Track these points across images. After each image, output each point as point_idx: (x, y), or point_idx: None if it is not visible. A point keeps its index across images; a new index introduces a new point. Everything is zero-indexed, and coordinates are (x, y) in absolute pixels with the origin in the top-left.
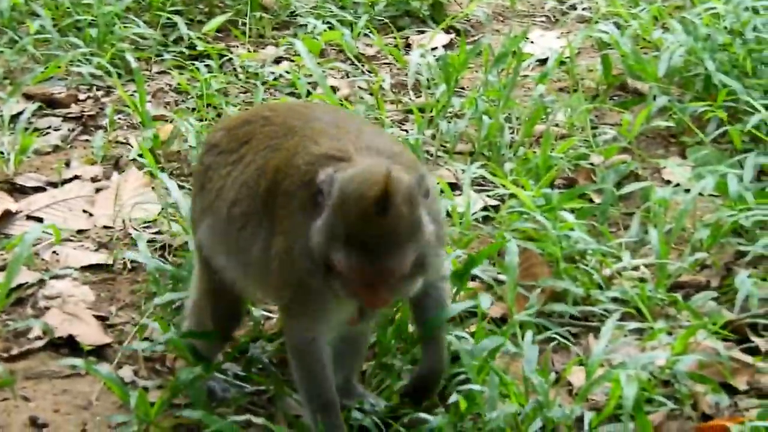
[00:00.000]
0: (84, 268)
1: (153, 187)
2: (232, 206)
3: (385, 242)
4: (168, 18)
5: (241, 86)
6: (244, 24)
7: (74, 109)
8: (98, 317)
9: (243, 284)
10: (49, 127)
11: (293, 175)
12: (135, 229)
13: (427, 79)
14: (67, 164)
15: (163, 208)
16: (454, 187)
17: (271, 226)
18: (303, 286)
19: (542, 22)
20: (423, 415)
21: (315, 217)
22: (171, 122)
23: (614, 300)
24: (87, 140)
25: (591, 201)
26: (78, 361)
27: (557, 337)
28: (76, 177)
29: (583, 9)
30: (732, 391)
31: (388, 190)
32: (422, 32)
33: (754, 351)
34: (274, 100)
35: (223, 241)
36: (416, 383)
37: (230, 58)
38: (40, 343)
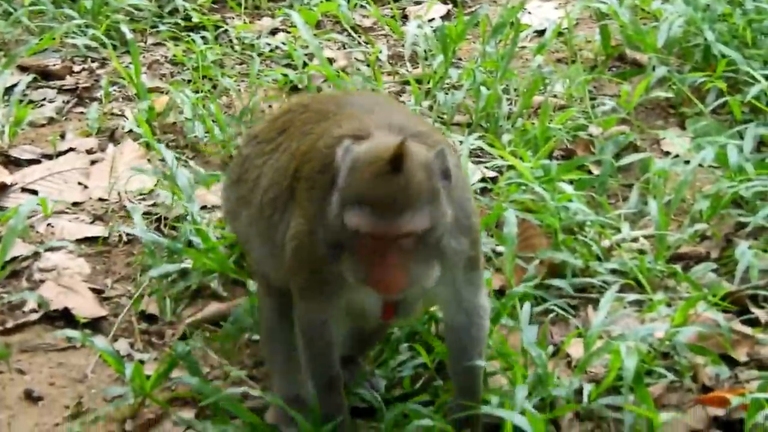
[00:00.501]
0: (79, 241)
1: (148, 159)
2: (265, 193)
3: (399, 200)
4: None
5: (237, 58)
6: None
7: (69, 81)
8: (93, 290)
9: (275, 275)
10: (44, 99)
11: (315, 159)
12: (130, 201)
13: (425, 51)
14: (62, 136)
15: (158, 180)
16: None
17: (293, 209)
18: (319, 271)
19: None
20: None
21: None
22: (166, 94)
23: (613, 272)
24: (82, 112)
25: (590, 172)
26: (74, 333)
27: (556, 309)
28: (71, 149)
29: None
30: (732, 362)
31: (403, 151)
32: (419, 3)
33: (754, 322)
34: (269, 72)
35: (257, 230)
36: (453, 420)
37: (226, 30)
38: (35, 316)
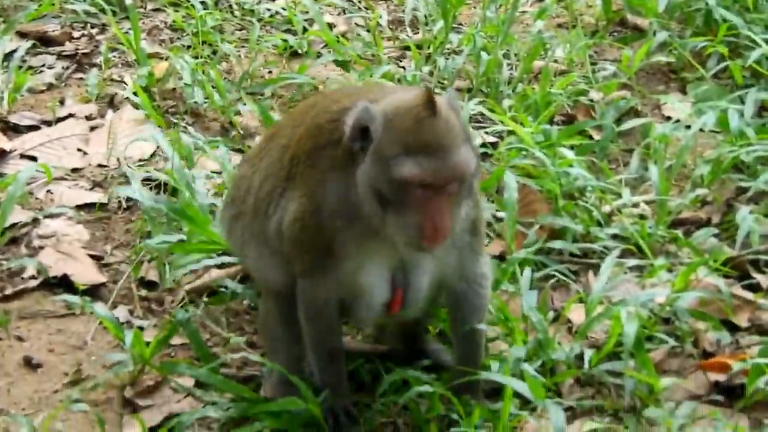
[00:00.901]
0: (78, 207)
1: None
2: (259, 190)
3: (445, 142)
4: None
5: (237, 23)
6: None
7: (68, 47)
8: (93, 256)
9: (273, 275)
10: (44, 65)
11: (317, 136)
12: (129, 167)
13: (425, 16)
14: (62, 102)
15: (157, 148)
16: None
17: (293, 193)
18: (327, 249)
19: None
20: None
21: (354, 166)
22: (166, 60)
23: (614, 237)
24: (81, 78)
25: (590, 137)
26: (74, 298)
27: (557, 274)
28: (71, 115)
29: None
30: (733, 328)
31: (432, 96)
32: None
33: (755, 288)
34: (269, 38)
35: (251, 234)
36: (453, 386)
37: None
38: (34, 283)
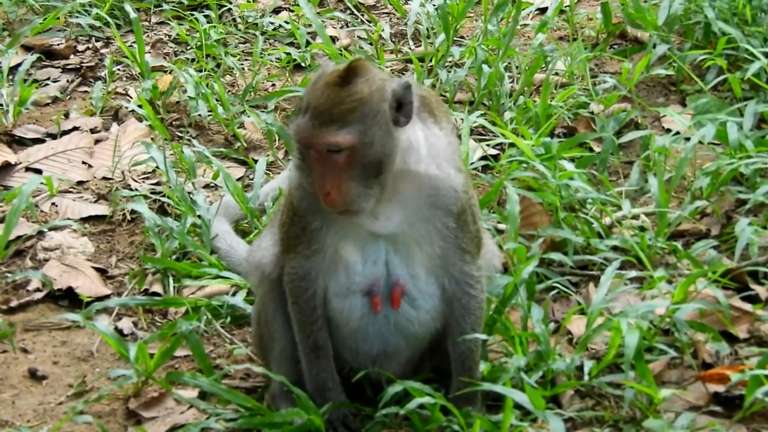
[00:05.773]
0: (83, 220)
1: (152, 138)
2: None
3: (324, 108)
4: None
5: (241, 36)
6: None
7: (73, 60)
8: (97, 269)
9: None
10: (48, 79)
11: None
12: (134, 180)
13: (427, 29)
14: (66, 116)
15: (157, 167)
16: None
17: None
18: (300, 223)
19: None
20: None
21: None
22: (170, 73)
23: (614, 249)
24: (86, 91)
25: (591, 150)
26: (76, 316)
27: (557, 286)
28: (75, 128)
29: None
30: (732, 339)
31: (352, 67)
32: None
33: (754, 299)
34: (272, 51)
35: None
36: (454, 396)
37: (229, 8)
38: (39, 295)
